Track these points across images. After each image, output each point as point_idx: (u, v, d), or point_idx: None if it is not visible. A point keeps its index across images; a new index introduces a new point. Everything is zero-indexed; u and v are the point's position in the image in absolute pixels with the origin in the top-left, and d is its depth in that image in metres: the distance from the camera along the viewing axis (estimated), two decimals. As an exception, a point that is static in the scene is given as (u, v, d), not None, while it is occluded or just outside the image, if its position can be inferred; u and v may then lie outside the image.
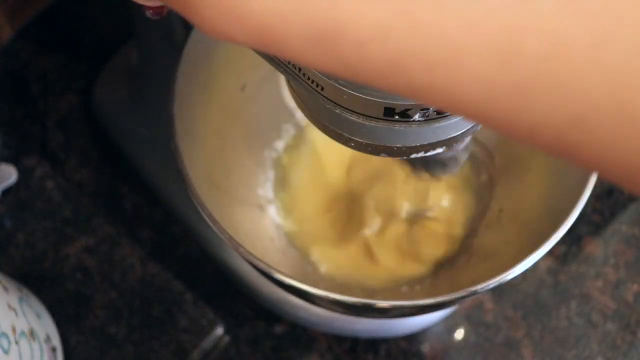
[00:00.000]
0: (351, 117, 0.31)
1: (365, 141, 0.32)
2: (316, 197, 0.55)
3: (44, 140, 0.60)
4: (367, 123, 0.31)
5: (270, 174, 0.55)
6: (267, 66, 0.32)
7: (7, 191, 0.58)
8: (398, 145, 0.32)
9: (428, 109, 0.29)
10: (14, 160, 0.58)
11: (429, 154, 0.33)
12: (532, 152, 0.49)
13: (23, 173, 0.58)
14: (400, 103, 0.29)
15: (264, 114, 0.54)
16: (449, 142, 0.33)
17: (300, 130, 0.56)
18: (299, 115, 0.55)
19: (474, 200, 0.54)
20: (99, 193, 0.58)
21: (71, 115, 0.60)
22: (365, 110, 0.30)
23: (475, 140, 0.54)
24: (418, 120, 0.30)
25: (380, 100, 0.29)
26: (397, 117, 0.30)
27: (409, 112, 0.29)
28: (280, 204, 0.55)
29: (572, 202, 0.39)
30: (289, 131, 0.56)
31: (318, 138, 0.56)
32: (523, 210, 0.49)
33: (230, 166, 0.51)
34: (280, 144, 0.56)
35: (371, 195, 0.55)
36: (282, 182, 0.55)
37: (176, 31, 0.45)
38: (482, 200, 0.53)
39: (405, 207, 0.54)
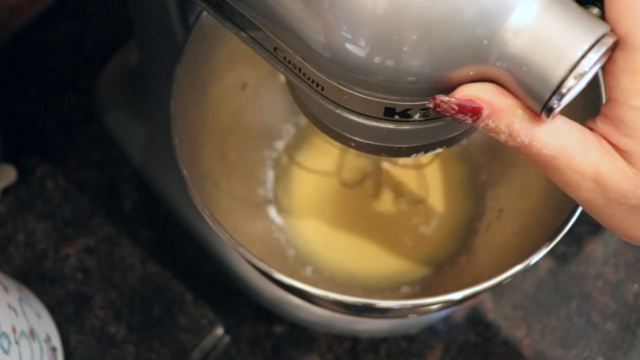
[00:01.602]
0: (351, 117, 0.31)
1: (366, 141, 0.32)
2: (316, 197, 0.55)
3: (44, 140, 0.60)
4: (368, 123, 0.31)
5: (270, 174, 0.55)
6: (267, 66, 0.32)
7: (7, 191, 0.58)
8: (398, 145, 0.32)
9: (428, 109, 0.29)
10: (14, 160, 0.58)
11: (429, 153, 0.33)
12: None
13: (23, 173, 0.58)
14: (400, 103, 0.29)
15: (264, 114, 0.54)
16: (449, 142, 0.33)
17: (300, 130, 0.56)
18: (299, 115, 0.55)
19: (474, 200, 0.54)
20: (99, 193, 0.58)
21: (71, 115, 0.60)
22: (366, 110, 0.30)
23: (475, 140, 0.54)
24: (418, 120, 0.30)
25: (380, 100, 0.29)
26: (397, 116, 0.30)
27: (409, 112, 0.29)
28: (280, 204, 0.55)
29: (572, 202, 0.39)
30: (289, 131, 0.56)
31: (318, 138, 0.56)
32: (523, 210, 0.48)
33: (230, 166, 0.51)
34: (280, 144, 0.56)
35: (369, 194, 0.55)
36: (282, 182, 0.55)
37: (176, 31, 0.45)
38: (482, 200, 0.53)
39: (404, 206, 0.54)
